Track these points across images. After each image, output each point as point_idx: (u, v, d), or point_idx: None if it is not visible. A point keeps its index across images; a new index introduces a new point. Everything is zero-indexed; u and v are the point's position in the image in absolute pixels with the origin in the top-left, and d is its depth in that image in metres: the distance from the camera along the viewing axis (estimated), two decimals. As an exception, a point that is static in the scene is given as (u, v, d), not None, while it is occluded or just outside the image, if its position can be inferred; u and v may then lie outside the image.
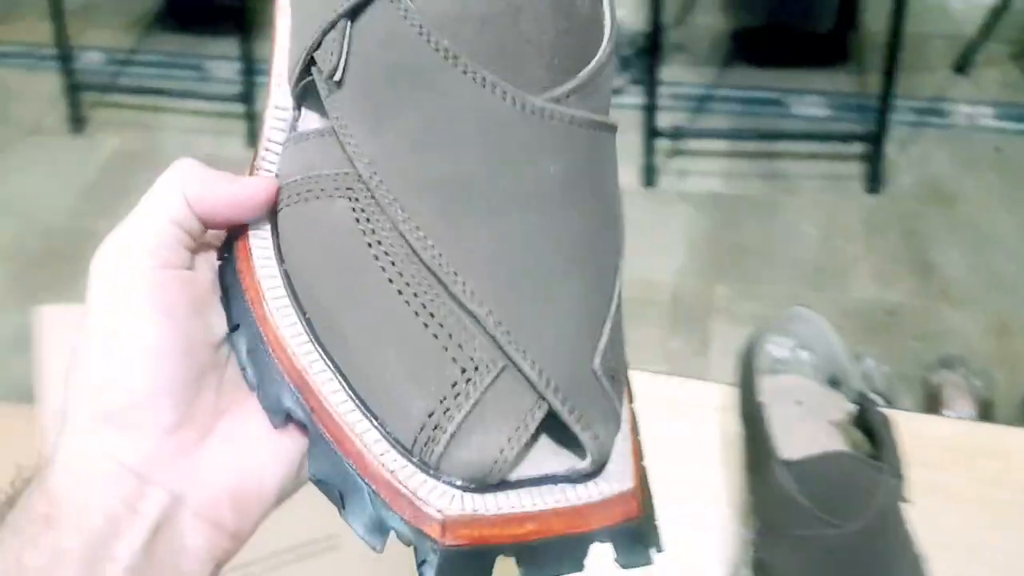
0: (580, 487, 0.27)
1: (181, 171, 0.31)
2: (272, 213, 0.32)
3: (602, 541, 0.27)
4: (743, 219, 1.80)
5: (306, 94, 0.33)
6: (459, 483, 0.27)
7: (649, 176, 1.85)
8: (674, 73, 2.02)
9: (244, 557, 0.32)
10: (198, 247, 0.32)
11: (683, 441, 0.66)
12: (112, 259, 0.30)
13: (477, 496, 0.27)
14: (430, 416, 0.27)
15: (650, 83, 1.80)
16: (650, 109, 1.81)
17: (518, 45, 0.29)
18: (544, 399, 0.27)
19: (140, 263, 0.30)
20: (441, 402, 0.27)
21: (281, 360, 0.29)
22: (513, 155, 0.28)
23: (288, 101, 0.33)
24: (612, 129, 0.31)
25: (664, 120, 1.85)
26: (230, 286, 0.31)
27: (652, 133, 1.83)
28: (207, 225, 0.32)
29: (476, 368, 0.27)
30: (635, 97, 2.03)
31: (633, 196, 1.85)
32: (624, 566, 0.28)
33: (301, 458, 0.30)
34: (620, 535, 0.27)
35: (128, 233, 0.30)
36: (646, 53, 1.98)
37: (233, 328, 0.31)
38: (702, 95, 2.07)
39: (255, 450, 0.30)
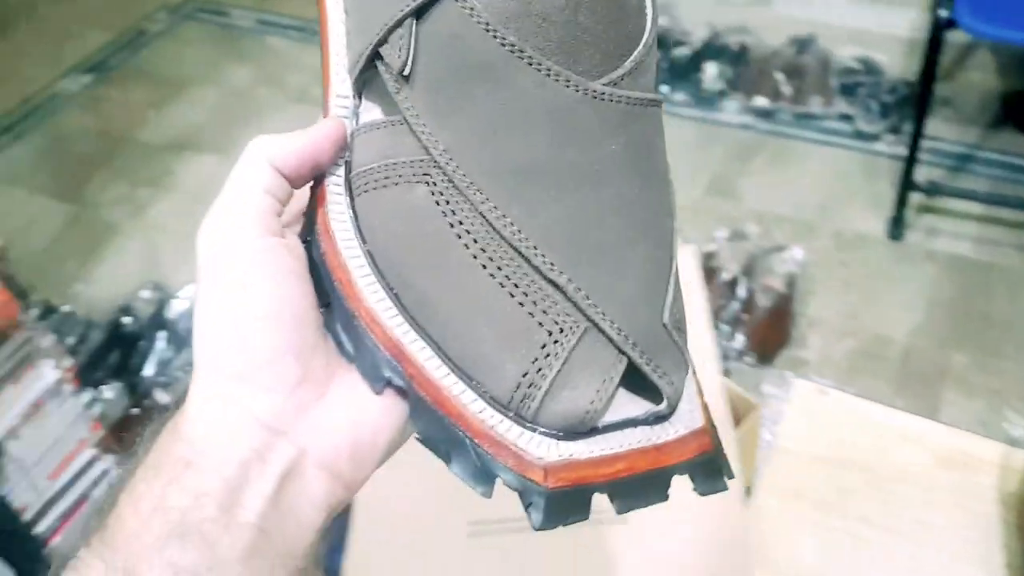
0: (658, 428, 0.31)
1: (258, 144, 0.33)
2: (350, 199, 0.33)
3: (681, 473, 0.30)
4: (991, 288, 1.70)
5: (365, 85, 0.35)
6: (554, 433, 0.29)
7: (897, 229, 1.78)
8: (936, 128, 1.93)
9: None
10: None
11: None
12: (217, 233, 0.32)
13: (571, 443, 0.29)
14: (524, 376, 0.29)
15: (912, 135, 1.72)
16: (908, 161, 1.74)
17: (576, 36, 0.31)
18: (624, 354, 0.30)
19: (245, 234, 0.32)
20: (533, 363, 0.30)
21: (376, 333, 0.31)
22: (578, 136, 0.31)
23: (349, 90, 0.35)
24: (659, 104, 0.33)
25: (920, 174, 1.78)
26: (316, 266, 0.33)
27: (907, 186, 1.75)
28: (294, 183, 0.34)
29: (561, 331, 0.30)
30: (892, 147, 1.97)
31: (876, 246, 1.78)
32: (702, 493, 0.31)
33: (406, 416, 0.32)
34: (697, 467, 0.31)
35: (227, 207, 0.32)
36: (909, 103, 1.91)
37: (324, 305, 0.33)
38: (963, 154, 1.97)
39: (367, 407, 0.32)
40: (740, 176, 1.96)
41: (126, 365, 1.62)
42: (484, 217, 0.31)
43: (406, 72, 0.32)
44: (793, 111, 2.08)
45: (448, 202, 0.31)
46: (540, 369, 0.29)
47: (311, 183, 0.35)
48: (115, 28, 2.58)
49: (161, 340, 1.64)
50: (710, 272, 1.69)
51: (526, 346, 0.30)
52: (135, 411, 1.53)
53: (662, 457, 0.30)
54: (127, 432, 1.49)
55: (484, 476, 0.30)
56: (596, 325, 0.30)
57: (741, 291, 1.65)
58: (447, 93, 0.31)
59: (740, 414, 0.59)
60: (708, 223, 1.81)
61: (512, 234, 0.30)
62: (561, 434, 0.30)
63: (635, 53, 0.32)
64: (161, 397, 1.55)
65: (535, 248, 0.30)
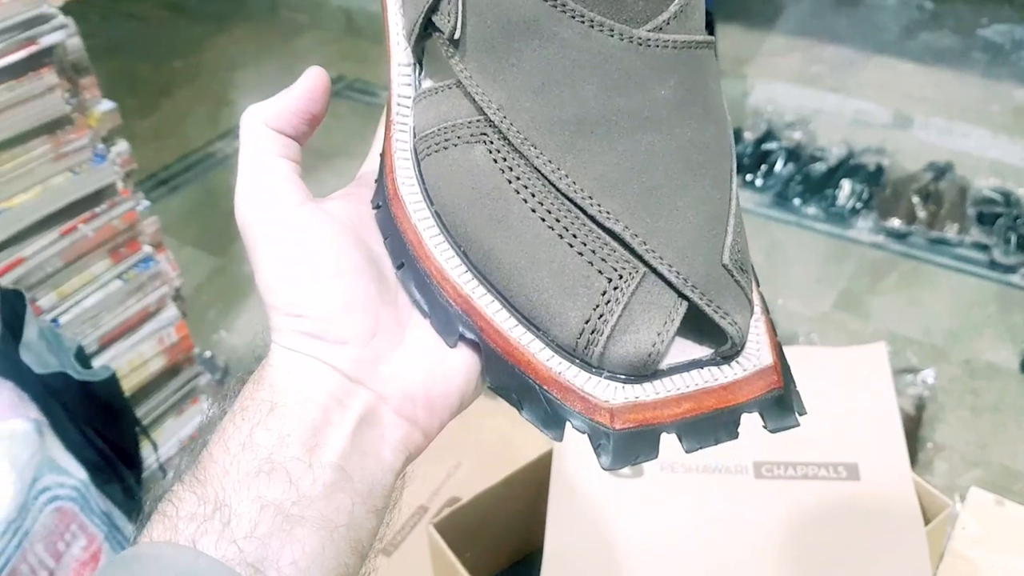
0: (725, 367, 0.31)
1: (254, 112, 0.35)
2: (416, 162, 0.34)
3: (751, 411, 0.31)
4: None
5: (424, 53, 0.36)
6: (619, 376, 0.30)
7: (1031, 362, 1.74)
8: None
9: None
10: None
11: None
12: (255, 204, 0.34)
13: (636, 385, 0.30)
14: (586, 323, 0.30)
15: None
16: (1048, 294, 1.71)
17: None
18: (684, 297, 0.31)
19: (283, 202, 0.33)
20: (595, 309, 0.30)
21: (446, 290, 0.32)
22: (626, 85, 0.31)
23: (408, 58, 0.36)
24: (710, 44, 0.33)
25: (1059, 309, 1.75)
26: (387, 230, 0.34)
27: (1044, 319, 1.72)
28: (300, 136, 0.35)
29: (620, 277, 0.30)
30: (1028, 278, 1.94)
31: (1008, 378, 1.74)
32: (773, 430, 0.31)
33: (477, 366, 0.33)
34: (766, 404, 0.31)
35: (254, 179, 0.34)
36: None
37: (399, 267, 0.34)
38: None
39: (440, 357, 0.33)
40: (870, 294, 1.95)
41: (257, 414, 1.67)
42: (539, 171, 0.31)
43: (456, 36, 0.33)
44: (927, 235, 2.07)
45: (505, 159, 0.32)
46: (602, 315, 0.30)
47: (381, 151, 0.36)
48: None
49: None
50: (836, 386, 1.68)
51: (587, 294, 0.31)
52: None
53: (729, 396, 0.31)
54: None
55: (554, 421, 0.31)
56: (654, 270, 0.31)
57: (867, 408, 1.64)
58: (496, 53, 0.32)
59: (930, 512, 0.60)
60: (835, 337, 1.80)
61: (567, 186, 0.31)
62: (626, 377, 0.30)
63: None
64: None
65: (590, 198, 0.31)
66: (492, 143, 0.32)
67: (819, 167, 2.24)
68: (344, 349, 0.32)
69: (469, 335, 0.32)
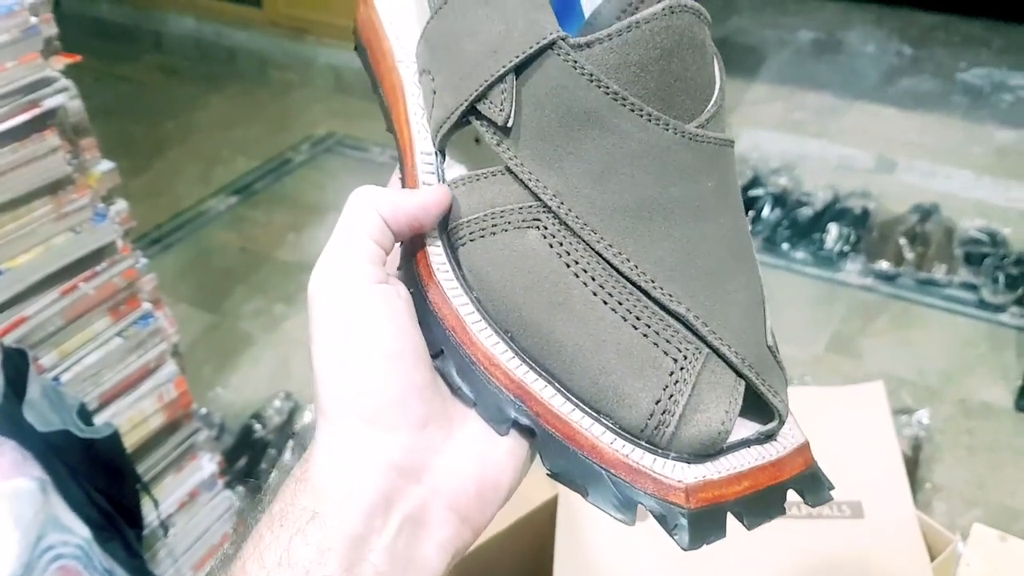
0: (768, 446, 0.32)
1: (369, 195, 0.34)
2: (450, 249, 0.34)
3: (793, 487, 0.32)
4: (1125, 469, 1.66)
5: (447, 142, 0.36)
6: (686, 456, 0.31)
7: (1024, 400, 1.76)
8: (1064, 302, 1.92)
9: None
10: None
11: None
12: (330, 280, 0.33)
13: (700, 465, 0.31)
14: (657, 403, 0.31)
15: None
16: (1037, 332, 1.73)
17: (670, 84, 0.33)
18: (742, 376, 0.32)
19: (356, 280, 0.32)
20: (664, 389, 0.31)
21: (496, 376, 0.32)
22: (680, 175, 0.33)
23: (431, 147, 0.37)
24: (733, 144, 0.35)
25: (1049, 347, 1.76)
26: (426, 316, 0.34)
27: (1035, 357, 1.74)
28: (398, 236, 0.34)
29: (686, 358, 0.31)
30: (1017, 319, 1.95)
31: (1003, 417, 1.75)
32: (813, 504, 0.32)
33: (527, 453, 0.33)
34: (806, 480, 0.32)
35: (338, 255, 0.33)
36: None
37: (437, 354, 0.33)
38: (1091, 330, 1.95)
39: (492, 446, 0.33)
40: (862, 336, 1.97)
41: (254, 471, 1.67)
42: (600, 256, 0.32)
43: (509, 124, 0.33)
44: (916, 276, 2.09)
45: (562, 244, 0.33)
46: (672, 395, 0.31)
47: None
48: (262, 156, 2.76)
49: (288, 450, 1.70)
50: (832, 428, 1.69)
51: (656, 375, 0.31)
52: (261, 516, 1.57)
53: (778, 473, 0.32)
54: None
55: (625, 504, 0.31)
56: (716, 350, 0.32)
57: (864, 450, 1.64)
58: (553, 141, 0.33)
59: (935, 550, 0.60)
60: (829, 380, 1.81)
61: (630, 270, 0.32)
62: (690, 457, 0.31)
63: (714, 97, 0.34)
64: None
65: (652, 281, 0.32)
66: (547, 228, 0.33)
67: (806, 212, 2.27)
68: (396, 436, 0.31)
69: (524, 421, 0.32)
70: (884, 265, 2.11)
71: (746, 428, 0.32)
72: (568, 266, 0.32)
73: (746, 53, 2.98)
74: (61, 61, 0.90)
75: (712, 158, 0.34)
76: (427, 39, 0.36)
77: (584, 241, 0.32)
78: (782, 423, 0.33)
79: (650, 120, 0.32)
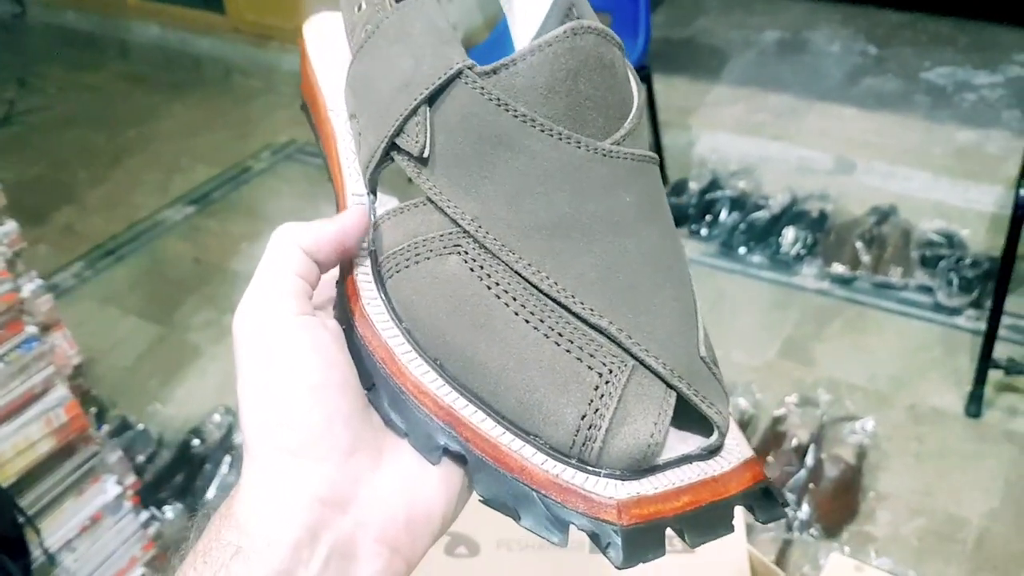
0: (712, 461, 0.32)
1: (290, 230, 0.35)
2: (380, 284, 0.35)
3: (741, 503, 0.31)
4: (1077, 475, 1.63)
5: (377, 182, 0.37)
6: (618, 473, 0.30)
7: (975, 406, 1.73)
8: (1019, 304, 1.90)
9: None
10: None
11: None
12: (254, 314, 0.33)
13: (635, 481, 0.30)
14: (583, 418, 0.30)
15: (992, 310, 1.70)
16: (988, 337, 1.71)
17: (580, 103, 0.33)
18: (672, 387, 0.31)
19: (280, 312, 0.32)
20: (589, 404, 0.31)
21: (425, 404, 0.32)
22: (595, 191, 0.33)
23: (363, 188, 0.37)
24: (656, 161, 0.36)
25: (1001, 351, 1.74)
26: (357, 351, 0.34)
27: (986, 363, 1.71)
28: (325, 265, 0.35)
29: (611, 371, 0.31)
30: (972, 322, 1.93)
31: (952, 423, 1.73)
32: (764, 521, 0.32)
33: (461, 482, 0.33)
34: (755, 496, 0.32)
35: (262, 290, 0.33)
36: (991, 278, 1.89)
37: (369, 388, 0.33)
38: (1047, 333, 1.92)
39: (423, 476, 0.32)
40: (814, 341, 1.94)
41: (190, 487, 1.65)
42: (520, 275, 0.32)
43: (425, 154, 0.34)
44: (872, 280, 2.07)
45: (482, 267, 0.33)
46: (597, 409, 0.31)
47: (336, 274, 0.36)
48: (222, 164, 2.74)
49: (226, 465, 1.68)
50: (778, 437, 1.67)
51: (580, 389, 0.31)
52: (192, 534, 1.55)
53: (721, 488, 0.31)
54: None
55: (557, 525, 0.30)
56: (642, 362, 0.31)
57: (809, 459, 1.62)
58: (468, 167, 0.33)
59: (763, 585, 0.58)
60: (779, 387, 1.79)
61: (550, 286, 0.32)
62: (623, 474, 0.30)
63: (631, 116, 0.35)
64: (220, 521, 1.56)
65: (573, 296, 0.32)
66: (467, 252, 0.33)
67: (763, 215, 2.24)
68: (321, 467, 0.31)
69: (454, 447, 0.32)
70: (840, 268, 2.09)
71: (687, 444, 0.32)
72: (489, 288, 0.32)
73: (710, 54, 2.96)
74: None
75: (630, 173, 0.34)
76: (350, 83, 0.38)
77: (503, 262, 0.33)
78: (722, 435, 0.32)
79: (560, 139, 0.33)
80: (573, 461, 0.31)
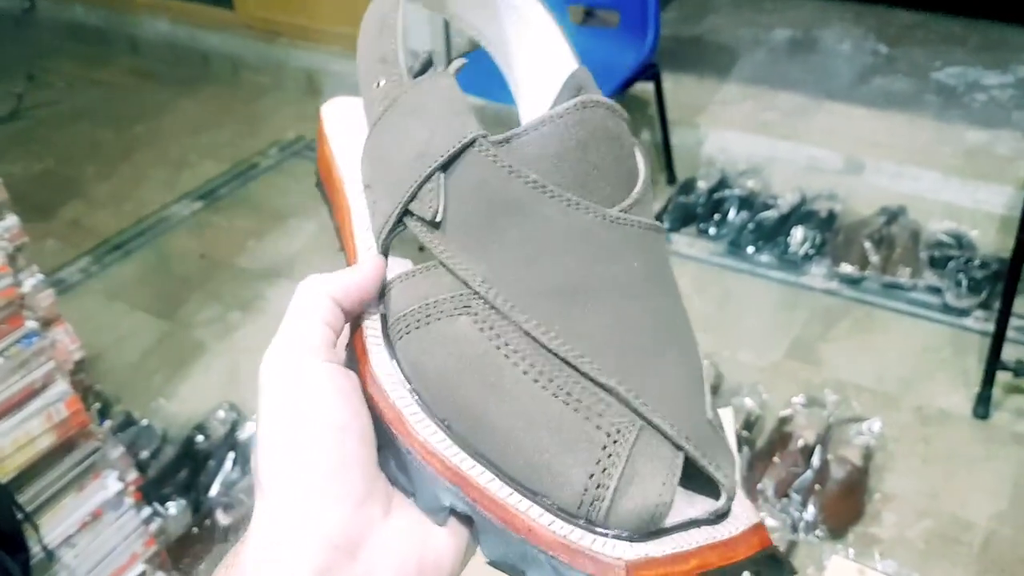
0: (720, 526, 0.31)
1: (318, 280, 0.35)
2: (389, 346, 0.35)
3: (748, 569, 0.31)
4: (1085, 478, 1.62)
5: (389, 248, 0.37)
6: (626, 534, 0.30)
7: (983, 408, 1.72)
8: (1028, 306, 1.88)
9: None
10: None
11: None
12: (281, 359, 0.33)
13: (643, 543, 0.30)
14: (591, 478, 0.30)
15: (1001, 312, 1.68)
16: (996, 338, 1.69)
17: (588, 172, 0.34)
18: (681, 449, 0.31)
19: (306, 359, 0.33)
20: (597, 464, 0.31)
21: (432, 464, 0.32)
22: (603, 255, 0.34)
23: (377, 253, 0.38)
24: (663, 231, 0.37)
25: (1009, 353, 1.72)
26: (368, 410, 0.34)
27: (995, 364, 1.70)
28: (347, 315, 0.35)
29: (619, 431, 0.31)
30: (982, 323, 1.92)
31: (960, 424, 1.72)
32: None
33: (464, 542, 0.33)
34: (762, 562, 0.31)
35: (291, 338, 0.34)
36: (999, 279, 1.88)
37: (378, 448, 0.34)
38: (1056, 335, 1.91)
39: (431, 530, 0.32)
40: (822, 342, 1.93)
41: (194, 483, 1.65)
42: (530, 335, 0.33)
43: (438, 219, 0.35)
44: (880, 280, 2.06)
45: (492, 327, 0.33)
46: (605, 469, 0.30)
47: (348, 336, 0.36)
48: (229, 160, 2.74)
49: (229, 461, 1.68)
50: (784, 438, 1.66)
51: (588, 449, 0.31)
52: (195, 530, 1.55)
53: (730, 553, 0.31)
54: (185, 550, 1.51)
55: None
56: (650, 423, 0.31)
57: (815, 460, 1.61)
58: (480, 231, 0.34)
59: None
60: (786, 387, 1.78)
61: (559, 346, 0.32)
62: (630, 535, 0.30)
63: (638, 185, 0.36)
64: (222, 518, 1.56)
65: (582, 356, 0.32)
66: (477, 313, 0.33)
67: (772, 214, 2.23)
68: (336, 509, 0.30)
69: (461, 507, 0.32)
70: (849, 268, 2.08)
71: (694, 507, 0.32)
72: (498, 348, 0.33)
73: (719, 52, 2.94)
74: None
75: (637, 240, 0.35)
76: (366, 154, 0.39)
77: (513, 322, 0.33)
78: (729, 499, 0.32)
79: (569, 205, 0.34)
80: (581, 522, 0.30)
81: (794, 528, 1.52)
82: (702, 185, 2.35)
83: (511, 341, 0.33)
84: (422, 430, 0.33)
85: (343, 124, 0.44)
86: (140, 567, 1.20)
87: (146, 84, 3.30)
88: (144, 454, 1.68)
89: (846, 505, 1.56)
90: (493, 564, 0.31)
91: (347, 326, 0.37)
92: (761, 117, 2.58)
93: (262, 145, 2.81)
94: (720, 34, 3.06)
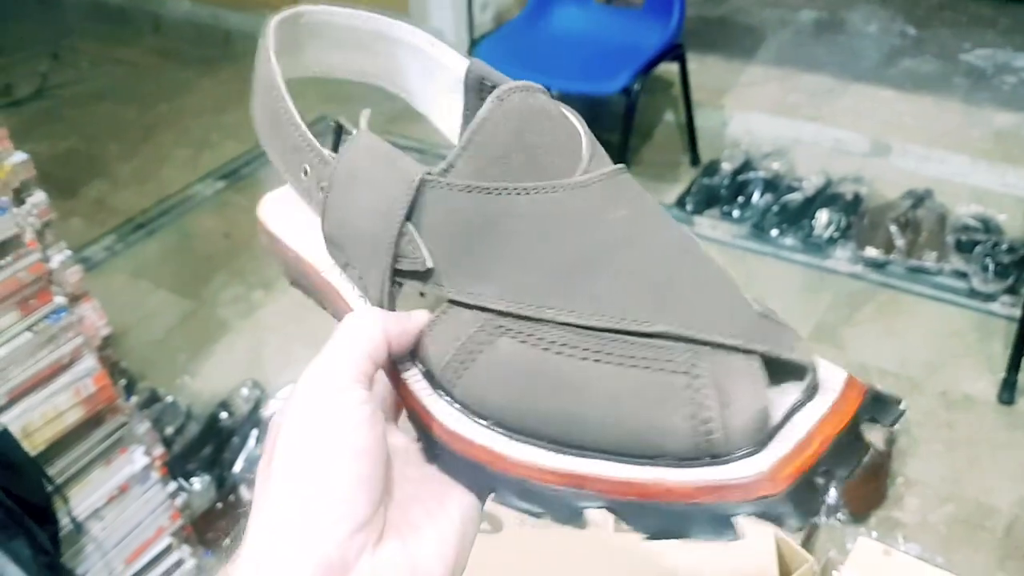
0: (818, 397, 0.32)
1: (379, 313, 0.36)
2: (450, 396, 0.35)
3: (866, 417, 0.32)
4: (1111, 465, 1.60)
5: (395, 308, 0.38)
6: (748, 450, 0.31)
7: (1008, 393, 1.70)
8: (1056, 291, 1.86)
9: None
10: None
11: None
12: (316, 384, 0.33)
13: (767, 451, 0.31)
14: (692, 419, 0.31)
15: (1028, 296, 1.67)
16: (1023, 323, 1.68)
17: (535, 154, 0.35)
18: (750, 351, 0.32)
19: (349, 384, 0.33)
20: (691, 402, 0.31)
21: (549, 481, 0.33)
22: (587, 221, 0.35)
23: None
24: (625, 169, 0.37)
25: (1036, 338, 1.71)
26: (458, 471, 0.35)
27: (1020, 349, 1.69)
28: (392, 356, 0.36)
29: (693, 364, 0.32)
30: (1008, 308, 1.90)
31: (985, 409, 1.71)
32: (892, 424, 0.33)
33: (455, 557, 0.34)
34: (870, 406, 0.32)
35: (335, 360, 0.34)
36: (1028, 265, 1.86)
37: (490, 491, 0.34)
38: (1085, 321, 1.89)
39: (419, 552, 0.33)
40: (846, 325, 1.92)
41: (218, 459, 1.66)
42: (566, 324, 0.33)
43: (429, 266, 0.35)
44: (906, 264, 2.04)
45: (531, 334, 0.34)
46: (700, 403, 0.31)
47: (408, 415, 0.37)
48: (251, 140, 2.71)
49: (253, 438, 1.69)
50: (806, 421, 1.65)
51: (675, 395, 0.31)
52: (219, 505, 1.57)
53: (841, 415, 0.32)
54: (209, 525, 1.52)
55: (724, 525, 0.30)
56: (712, 343, 0.32)
57: (838, 444, 1.60)
58: (469, 257, 0.35)
59: (791, 567, 0.57)
60: (808, 370, 1.77)
61: (596, 321, 0.33)
62: (753, 449, 0.31)
63: (583, 140, 0.37)
64: (246, 494, 1.58)
65: (622, 319, 0.33)
66: (510, 329, 0.34)
67: (796, 197, 2.22)
68: (333, 531, 0.31)
69: (593, 505, 0.32)
70: (874, 252, 2.06)
71: (789, 395, 0.32)
72: (547, 349, 0.33)
73: (745, 34, 2.92)
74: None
75: (610, 191, 0.36)
76: (329, 240, 0.39)
77: (544, 320, 0.33)
78: (814, 372, 0.33)
79: (536, 192, 0.35)
80: (706, 460, 0.31)
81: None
82: (726, 167, 2.33)
83: (554, 337, 0.33)
84: (524, 456, 0.33)
85: (285, 220, 0.44)
86: (166, 540, 1.22)
87: (168, 63, 3.31)
88: (169, 430, 1.69)
89: (869, 489, 1.55)
90: (651, 538, 0.32)
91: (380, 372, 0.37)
92: (786, 99, 2.56)
93: (285, 125, 2.81)
94: (746, 15, 3.03)
